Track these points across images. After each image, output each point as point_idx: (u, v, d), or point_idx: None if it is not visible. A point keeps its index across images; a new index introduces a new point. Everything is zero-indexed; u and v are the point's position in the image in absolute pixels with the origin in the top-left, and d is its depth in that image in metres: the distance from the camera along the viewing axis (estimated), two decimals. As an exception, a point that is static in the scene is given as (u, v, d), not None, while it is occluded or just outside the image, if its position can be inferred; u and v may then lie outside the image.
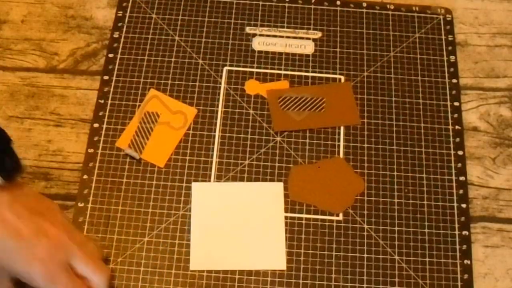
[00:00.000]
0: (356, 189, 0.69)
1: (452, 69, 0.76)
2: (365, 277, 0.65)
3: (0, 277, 0.57)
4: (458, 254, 0.66)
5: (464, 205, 0.69)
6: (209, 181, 0.69)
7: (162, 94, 0.73)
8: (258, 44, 0.78)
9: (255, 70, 0.76)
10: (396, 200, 0.69)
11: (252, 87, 0.74)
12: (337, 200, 0.68)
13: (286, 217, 0.68)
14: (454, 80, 0.76)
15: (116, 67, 0.75)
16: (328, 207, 0.68)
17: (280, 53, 0.77)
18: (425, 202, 0.69)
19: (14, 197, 0.57)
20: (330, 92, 0.74)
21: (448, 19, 0.80)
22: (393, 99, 0.74)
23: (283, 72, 0.76)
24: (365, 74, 0.76)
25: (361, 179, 0.69)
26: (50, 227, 0.58)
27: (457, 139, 0.72)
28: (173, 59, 0.76)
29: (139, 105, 0.73)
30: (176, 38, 0.78)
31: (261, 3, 0.80)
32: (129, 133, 0.71)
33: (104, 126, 0.72)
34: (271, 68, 0.76)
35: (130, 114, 0.72)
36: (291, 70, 0.76)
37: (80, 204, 0.68)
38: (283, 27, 0.79)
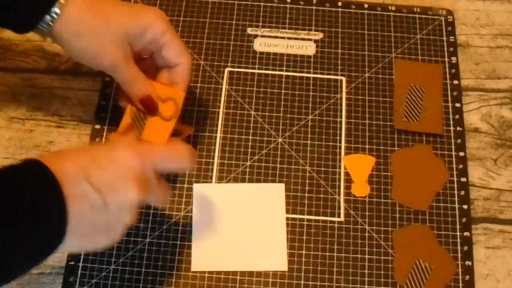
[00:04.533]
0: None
1: (453, 70, 0.76)
2: (366, 278, 0.65)
3: None
4: (459, 255, 0.66)
5: (465, 206, 0.69)
6: (211, 182, 0.69)
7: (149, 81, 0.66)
8: (259, 45, 0.78)
9: (256, 71, 0.76)
10: (397, 202, 0.69)
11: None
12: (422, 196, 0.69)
13: (287, 218, 0.68)
14: (456, 81, 0.76)
15: (118, 68, 0.75)
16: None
17: (282, 54, 0.77)
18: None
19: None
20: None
21: (449, 20, 0.80)
22: (394, 100, 0.74)
23: (284, 73, 0.76)
24: (367, 75, 0.76)
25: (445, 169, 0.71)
26: None
27: (459, 140, 0.72)
28: (174, 60, 0.76)
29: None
30: (178, 39, 0.78)
31: (262, 4, 0.80)
32: (121, 131, 0.66)
33: (106, 127, 0.72)
34: (273, 69, 0.76)
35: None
36: (293, 71, 0.76)
37: (82, 205, 0.68)
38: (284, 28, 0.79)
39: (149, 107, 0.64)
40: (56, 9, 0.58)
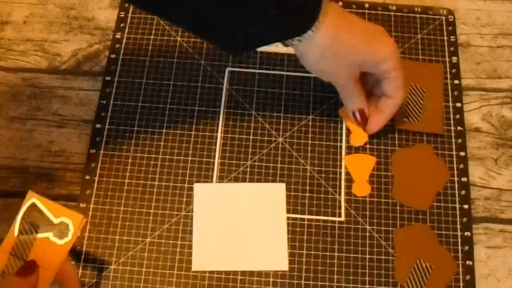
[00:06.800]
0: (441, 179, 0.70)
1: (454, 70, 0.76)
2: (367, 278, 0.65)
3: None
4: (460, 255, 0.66)
5: (466, 206, 0.69)
6: (211, 181, 0.69)
7: (43, 198, 0.58)
8: (260, 45, 0.78)
9: (257, 71, 0.76)
10: (398, 201, 0.69)
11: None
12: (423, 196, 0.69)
13: (288, 218, 0.68)
14: (456, 81, 0.76)
15: (118, 68, 0.76)
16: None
17: (282, 54, 0.77)
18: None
19: None
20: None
21: (450, 20, 0.80)
22: (395, 100, 0.74)
23: (285, 73, 0.76)
24: (367, 75, 0.76)
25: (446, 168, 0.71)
26: None
27: (459, 140, 0.72)
28: (175, 60, 0.76)
29: (141, 106, 0.73)
30: (178, 39, 0.78)
31: (263, 4, 0.80)
32: (6, 249, 0.57)
33: (106, 126, 0.72)
34: (273, 69, 0.76)
35: (132, 114, 0.72)
36: (293, 71, 0.76)
37: (82, 205, 0.68)
38: (285, 28, 0.79)
39: (363, 119, 0.69)
40: (310, 32, 0.61)
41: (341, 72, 0.65)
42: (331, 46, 0.62)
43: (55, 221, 0.58)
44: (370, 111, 0.70)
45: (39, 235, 0.58)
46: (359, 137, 0.71)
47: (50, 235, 0.58)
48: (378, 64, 0.65)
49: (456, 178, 0.70)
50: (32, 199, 0.58)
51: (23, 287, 0.55)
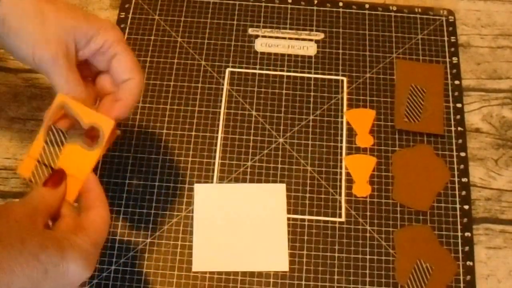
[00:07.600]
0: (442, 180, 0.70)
1: (454, 71, 0.76)
2: (367, 279, 0.65)
3: None
4: (460, 255, 0.66)
5: (466, 207, 0.69)
6: (212, 182, 0.69)
7: (72, 101, 0.55)
8: (260, 45, 0.78)
9: (257, 71, 0.76)
10: (398, 202, 0.69)
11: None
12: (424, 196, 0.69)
13: (288, 218, 0.68)
14: (457, 82, 0.76)
15: (119, 68, 0.75)
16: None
17: (283, 55, 0.77)
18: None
19: None
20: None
21: (450, 20, 0.80)
22: (396, 100, 0.74)
23: (285, 73, 0.76)
24: (368, 75, 0.76)
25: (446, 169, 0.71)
26: None
27: (460, 141, 0.72)
28: (175, 61, 0.76)
29: (141, 106, 0.73)
30: (179, 39, 0.78)
31: (263, 4, 0.80)
32: (33, 155, 0.55)
33: (107, 127, 0.72)
34: (274, 70, 0.76)
35: (132, 115, 0.72)
36: (294, 72, 0.76)
37: (83, 205, 0.68)
38: (285, 28, 0.79)
39: None
40: None
41: (49, 40, 0.53)
42: (33, 4, 0.53)
43: (85, 126, 0.55)
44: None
45: (68, 141, 0.55)
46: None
47: (79, 141, 0.55)
48: (94, 36, 0.55)
49: (456, 179, 0.70)
50: (61, 100, 0.54)
51: (51, 198, 0.52)
